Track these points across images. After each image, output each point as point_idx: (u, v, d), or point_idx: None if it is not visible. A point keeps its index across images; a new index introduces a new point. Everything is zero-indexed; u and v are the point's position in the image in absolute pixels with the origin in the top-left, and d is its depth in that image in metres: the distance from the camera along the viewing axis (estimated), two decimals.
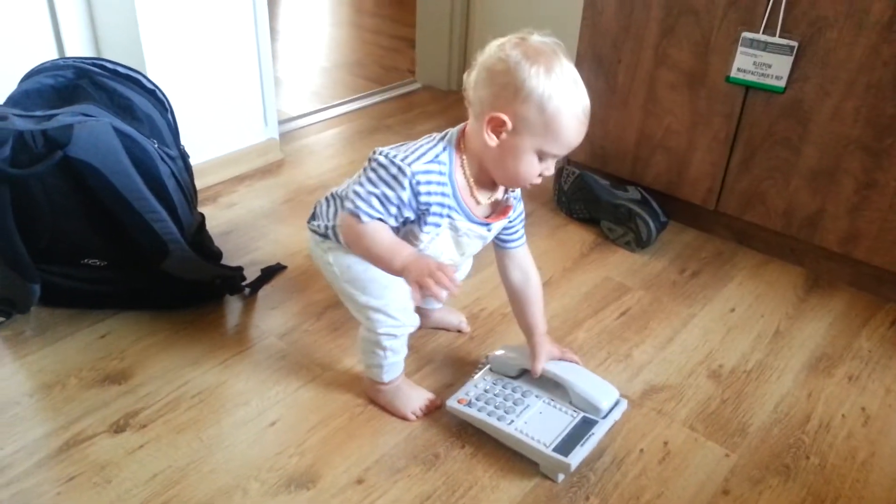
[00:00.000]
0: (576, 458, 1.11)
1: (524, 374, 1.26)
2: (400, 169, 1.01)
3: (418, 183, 1.01)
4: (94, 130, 1.16)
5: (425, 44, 2.71)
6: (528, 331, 1.24)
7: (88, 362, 1.34)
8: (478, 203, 1.09)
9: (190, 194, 1.41)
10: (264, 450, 1.18)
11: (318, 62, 3.10)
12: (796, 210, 1.63)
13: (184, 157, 1.45)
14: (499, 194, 1.12)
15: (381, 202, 1.02)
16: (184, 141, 1.60)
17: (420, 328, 1.23)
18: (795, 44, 1.49)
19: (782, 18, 1.49)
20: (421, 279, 0.98)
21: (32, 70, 1.36)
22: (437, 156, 1.03)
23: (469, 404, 1.21)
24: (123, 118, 1.27)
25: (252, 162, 2.06)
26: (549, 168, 1.03)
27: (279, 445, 1.19)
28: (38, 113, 1.22)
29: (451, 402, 1.23)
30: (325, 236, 1.17)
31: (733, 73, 1.58)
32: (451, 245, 1.12)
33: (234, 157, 2.02)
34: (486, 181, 1.08)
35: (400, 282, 1.11)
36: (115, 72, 1.36)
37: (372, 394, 1.28)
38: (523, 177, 1.03)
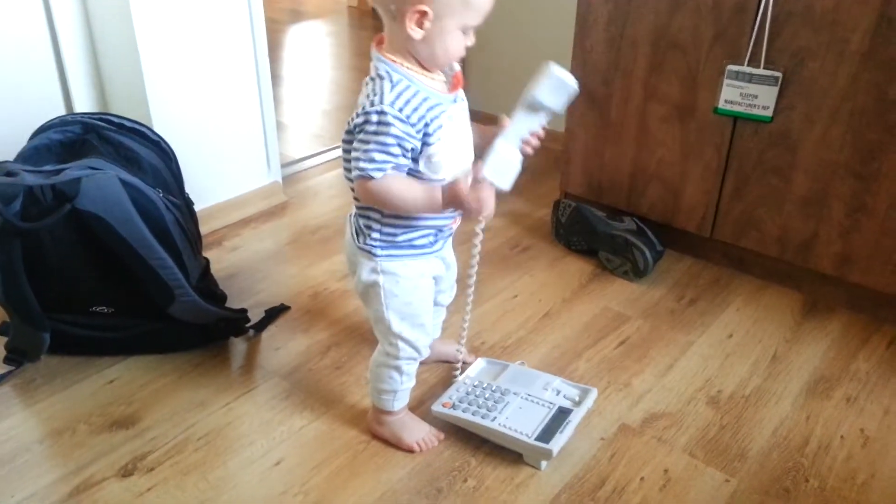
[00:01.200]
0: (556, 444, 1.21)
1: (503, 371, 1.39)
2: (381, 112, 1.01)
3: (400, 109, 1.02)
4: (101, 183, 1.21)
5: None
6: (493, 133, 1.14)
7: (97, 408, 1.37)
8: (438, 81, 1.10)
9: (194, 240, 1.46)
10: (270, 490, 1.20)
11: (320, 105, 3.17)
12: (790, 235, 1.66)
13: (188, 204, 1.50)
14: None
15: (382, 151, 1.02)
16: (189, 187, 1.65)
17: (421, 362, 1.26)
18: (780, 74, 1.53)
19: (765, 50, 1.53)
20: (470, 206, 1.05)
21: (42, 126, 1.42)
22: (392, 82, 1.03)
23: (453, 407, 1.29)
24: (129, 169, 1.32)
25: (256, 205, 2.11)
26: (471, 38, 1.06)
27: (284, 485, 1.21)
28: (48, 168, 1.27)
29: (437, 407, 1.30)
30: (373, 252, 1.15)
31: (721, 105, 1.62)
32: (456, 132, 1.10)
33: (238, 200, 2.07)
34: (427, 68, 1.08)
35: (430, 322, 1.21)
36: (120, 125, 1.42)
37: (377, 427, 1.30)
38: (453, 55, 1.06)
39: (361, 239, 1.15)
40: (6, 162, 1.31)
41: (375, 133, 1.02)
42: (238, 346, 1.55)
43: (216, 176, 1.98)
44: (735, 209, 1.72)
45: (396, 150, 1.03)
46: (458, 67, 1.14)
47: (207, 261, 1.61)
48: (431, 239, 1.16)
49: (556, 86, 1.05)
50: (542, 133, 1.11)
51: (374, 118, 1.02)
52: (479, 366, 1.42)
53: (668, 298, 1.71)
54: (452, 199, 1.06)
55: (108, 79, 1.81)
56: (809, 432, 1.32)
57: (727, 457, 1.27)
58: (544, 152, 2.43)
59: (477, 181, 1.05)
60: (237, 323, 1.52)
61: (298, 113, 3.02)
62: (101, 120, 1.42)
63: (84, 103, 1.79)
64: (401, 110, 1.02)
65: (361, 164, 1.03)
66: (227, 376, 1.46)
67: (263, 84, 2.02)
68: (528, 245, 1.95)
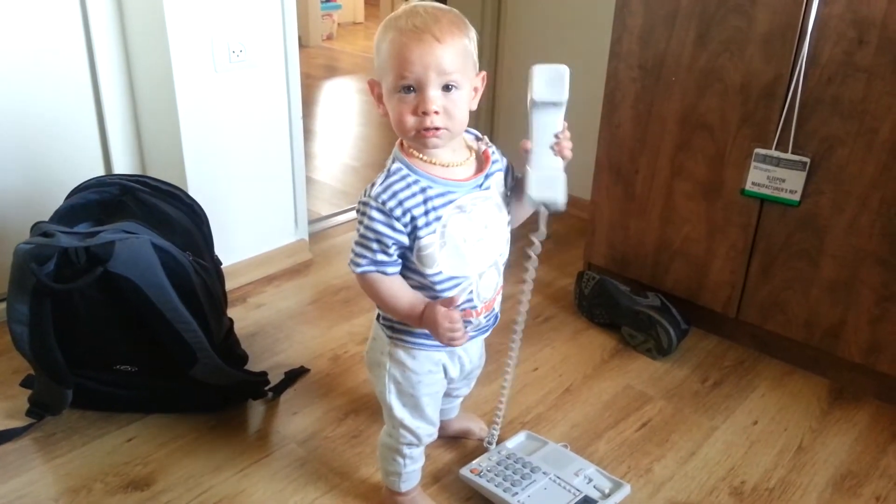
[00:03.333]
0: None
1: (541, 447, 1.37)
2: (365, 204, 1.01)
3: (384, 203, 1.00)
4: (133, 247, 1.24)
5: None
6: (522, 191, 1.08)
7: (114, 467, 1.37)
8: (460, 166, 1.05)
9: (220, 302, 1.47)
10: None
11: (348, 162, 3.23)
12: (817, 320, 1.64)
13: (217, 265, 1.52)
14: (464, 150, 1.08)
15: (362, 245, 1.02)
16: (217, 243, 1.68)
17: (439, 437, 1.25)
18: (808, 160, 1.54)
19: (794, 136, 1.54)
20: (439, 333, 1.02)
21: (80, 186, 1.46)
22: (388, 171, 1.03)
23: (480, 474, 1.29)
24: (161, 232, 1.35)
25: (281, 262, 2.13)
26: (423, 101, 0.96)
27: None
28: (82, 228, 1.30)
29: (465, 472, 1.30)
30: (391, 332, 1.14)
31: (748, 187, 1.63)
32: (467, 224, 1.05)
33: (265, 257, 2.09)
34: (440, 152, 1.04)
35: (436, 411, 1.19)
36: (156, 188, 1.46)
37: None
38: (404, 122, 0.98)
39: (379, 314, 1.15)
40: (42, 222, 1.35)
41: (360, 223, 1.03)
42: (256, 408, 1.55)
43: (245, 233, 2.02)
44: (761, 291, 1.70)
45: (375, 246, 1.01)
46: (485, 144, 1.10)
47: (231, 321, 1.62)
48: None
49: (549, 78, 1.00)
50: (566, 131, 1.03)
51: (360, 208, 1.03)
52: (518, 438, 1.41)
53: (692, 379, 1.69)
54: (430, 320, 1.03)
55: (147, 141, 1.87)
56: None
57: None
58: (570, 220, 2.47)
59: (452, 309, 1.01)
60: (257, 386, 1.52)
61: (327, 168, 3.08)
62: (137, 182, 1.46)
63: (123, 164, 1.85)
64: (384, 203, 1.00)
65: (352, 257, 1.04)
66: (243, 440, 1.46)
67: (296, 145, 2.07)
68: (551, 315, 1.94)
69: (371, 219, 1.00)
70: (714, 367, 1.74)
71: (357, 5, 6.47)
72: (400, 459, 1.21)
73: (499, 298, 1.16)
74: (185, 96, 1.74)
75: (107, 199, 1.43)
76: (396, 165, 1.03)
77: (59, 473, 1.35)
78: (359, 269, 1.03)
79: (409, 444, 1.19)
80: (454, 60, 0.97)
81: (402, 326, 1.11)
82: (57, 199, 1.50)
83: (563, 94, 1.00)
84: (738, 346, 1.81)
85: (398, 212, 1.00)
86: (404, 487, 1.24)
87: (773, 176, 1.59)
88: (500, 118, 2.70)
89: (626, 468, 1.41)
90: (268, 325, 1.86)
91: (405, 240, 1.02)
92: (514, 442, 1.40)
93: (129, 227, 1.29)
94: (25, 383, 1.48)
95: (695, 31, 1.62)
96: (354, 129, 3.80)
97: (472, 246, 1.06)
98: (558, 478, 1.29)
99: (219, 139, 1.85)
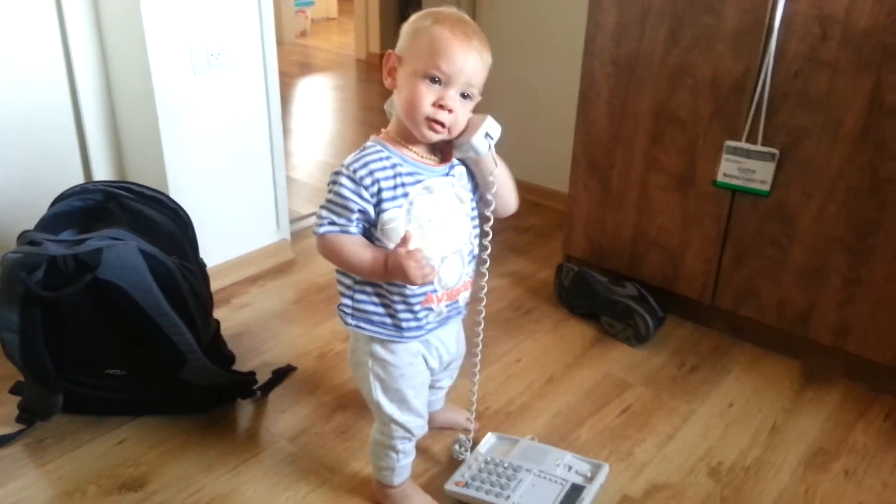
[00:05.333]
0: None
1: (514, 446, 1.40)
2: (337, 172, 1.06)
3: (355, 171, 1.04)
4: (121, 253, 1.25)
5: None
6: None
7: (106, 469, 1.39)
8: (429, 158, 1.11)
9: (207, 305, 1.49)
10: None
11: (326, 160, 3.24)
12: (788, 305, 1.70)
13: (202, 268, 1.54)
14: (437, 152, 1.14)
15: (329, 209, 1.06)
16: (200, 245, 1.69)
17: (428, 429, 1.28)
18: (776, 151, 1.59)
19: (763, 128, 1.59)
20: (408, 274, 1.02)
21: (63, 193, 1.47)
22: (364, 147, 1.08)
23: (466, 486, 1.30)
24: (147, 237, 1.36)
25: (264, 262, 2.15)
26: (446, 97, 1.04)
27: None
28: (68, 235, 1.31)
29: (450, 486, 1.31)
30: (345, 321, 1.16)
31: (720, 178, 1.68)
32: (433, 205, 1.10)
33: (247, 258, 2.11)
34: (420, 147, 1.10)
35: (423, 403, 1.21)
36: (140, 194, 1.47)
37: (380, 497, 1.32)
38: (418, 105, 1.04)
39: (346, 312, 1.16)
40: (29, 231, 1.36)
41: (329, 191, 1.07)
42: (245, 407, 1.57)
43: (227, 234, 2.03)
44: (735, 278, 1.76)
45: (340, 210, 1.05)
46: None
47: (218, 323, 1.64)
48: (413, 324, 1.14)
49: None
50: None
51: (332, 177, 1.07)
52: (489, 441, 1.43)
53: (670, 365, 1.74)
54: (394, 265, 1.04)
55: (127, 146, 1.88)
56: None
57: None
58: (548, 213, 2.51)
59: (413, 249, 1.03)
60: (245, 385, 1.55)
61: (305, 167, 3.09)
62: (121, 188, 1.47)
63: (103, 170, 1.86)
64: (355, 171, 1.04)
65: (316, 220, 1.08)
66: (233, 439, 1.48)
67: (276, 145, 2.09)
68: (532, 307, 1.98)
69: (340, 185, 1.05)
70: (690, 352, 1.79)
71: (330, 1, 6.46)
72: (393, 455, 1.24)
73: (465, 294, 1.19)
74: (165, 101, 1.75)
75: (91, 206, 1.44)
76: (371, 143, 1.10)
77: (52, 478, 1.37)
78: (321, 230, 1.07)
79: (402, 439, 1.22)
80: (480, 76, 1.08)
81: (360, 313, 1.14)
82: (39, 208, 1.50)
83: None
84: (714, 332, 1.87)
85: (367, 181, 1.05)
86: (397, 481, 1.28)
87: (744, 167, 1.64)
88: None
89: (608, 453, 1.46)
90: (253, 325, 1.88)
91: (370, 209, 1.06)
92: (486, 446, 1.42)
93: (115, 234, 1.30)
94: (14, 390, 1.49)
95: (666, 29, 1.67)
96: (331, 127, 3.81)
97: (436, 227, 1.10)
98: (542, 472, 1.31)
99: (199, 142, 1.86)
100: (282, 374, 1.66)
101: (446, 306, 1.16)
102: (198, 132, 1.85)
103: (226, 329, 1.76)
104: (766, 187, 1.63)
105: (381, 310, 1.14)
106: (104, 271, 1.24)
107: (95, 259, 1.24)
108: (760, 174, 1.62)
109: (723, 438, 1.51)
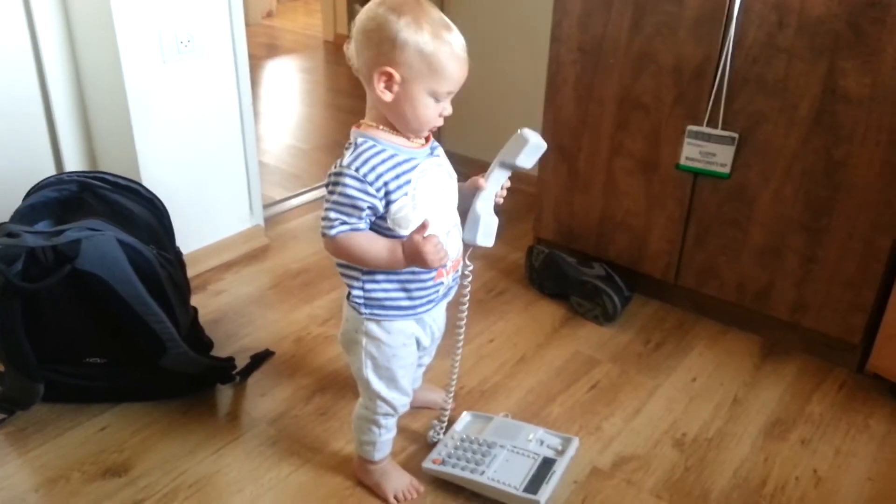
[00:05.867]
0: (543, 495, 1.27)
1: (488, 423, 1.44)
2: (338, 173, 1.07)
3: (357, 169, 1.06)
4: (99, 244, 1.27)
5: None
6: (469, 190, 1.22)
7: (90, 456, 1.41)
8: (415, 142, 1.14)
9: (185, 293, 1.51)
10: None
11: (296, 144, 3.25)
12: (748, 283, 1.77)
13: (178, 257, 1.56)
14: None
15: (336, 210, 1.07)
16: (175, 233, 1.71)
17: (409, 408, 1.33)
18: (736, 135, 1.65)
19: (723, 113, 1.65)
20: (426, 257, 1.07)
21: (37, 185, 1.47)
22: (355, 145, 1.09)
23: (443, 463, 1.35)
24: (125, 227, 1.38)
25: (238, 249, 2.17)
26: (446, 108, 1.10)
27: None
28: (43, 226, 1.33)
29: (427, 464, 1.36)
30: (364, 309, 1.19)
31: (682, 161, 1.74)
32: (432, 185, 1.14)
33: (221, 244, 2.13)
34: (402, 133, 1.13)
35: (409, 382, 1.26)
36: (115, 184, 1.48)
37: (361, 474, 1.36)
38: (424, 121, 1.09)
39: (349, 293, 1.20)
40: (5, 223, 1.36)
41: (332, 192, 1.08)
42: (225, 392, 1.60)
43: (201, 221, 2.04)
44: (697, 258, 1.83)
45: (349, 210, 1.07)
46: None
47: (196, 310, 1.66)
48: (425, 300, 1.19)
49: (533, 150, 1.17)
50: (508, 184, 1.22)
51: (332, 180, 1.08)
52: (464, 420, 1.48)
53: (636, 342, 1.81)
54: (412, 252, 1.08)
55: (98, 136, 1.87)
56: (767, 473, 1.42)
57: (691, 498, 1.35)
58: (518, 195, 2.55)
59: (429, 235, 1.07)
60: (224, 371, 1.58)
61: (276, 152, 3.09)
62: (95, 179, 1.48)
63: (74, 160, 1.85)
64: (357, 170, 1.06)
65: (324, 223, 1.09)
66: (214, 423, 1.51)
67: (247, 131, 2.10)
68: (504, 289, 2.03)
69: (345, 185, 1.06)
70: (656, 329, 1.86)
71: None
72: (376, 429, 1.29)
73: (461, 265, 1.25)
74: (135, 89, 1.75)
75: (66, 197, 1.45)
76: (362, 139, 1.10)
77: (36, 465, 1.39)
78: (332, 232, 1.08)
79: (385, 415, 1.27)
80: None
81: (374, 301, 1.17)
82: (9, 199, 1.50)
83: (534, 165, 1.18)
84: (678, 310, 1.94)
85: (371, 177, 1.06)
86: (378, 456, 1.32)
87: (705, 151, 1.70)
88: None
89: (578, 427, 1.52)
90: (230, 311, 1.90)
91: (379, 205, 1.08)
92: (462, 424, 1.47)
93: (93, 225, 1.32)
94: None
95: (630, 16, 1.71)
96: (299, 110, 3.80)
97: (438, 206, 1.15)
98: (515, 447, 1.37)
99: (170, 130, 1.87)
100: (260, 358, 1.69)
101: (451, 278, 1.22)
102: (169, 121, 1.86)
103: (203, 315, 1.78)
104: (727, 170, 1.69)
105: (393, 294, 1.17)
106: (83, 262, 1.26)
107: (74, 250, 1.25)
108: (721, 157, 1.68)
109: (687, 411, 1.58)
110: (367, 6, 1.06)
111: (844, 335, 1.67)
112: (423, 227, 1.08)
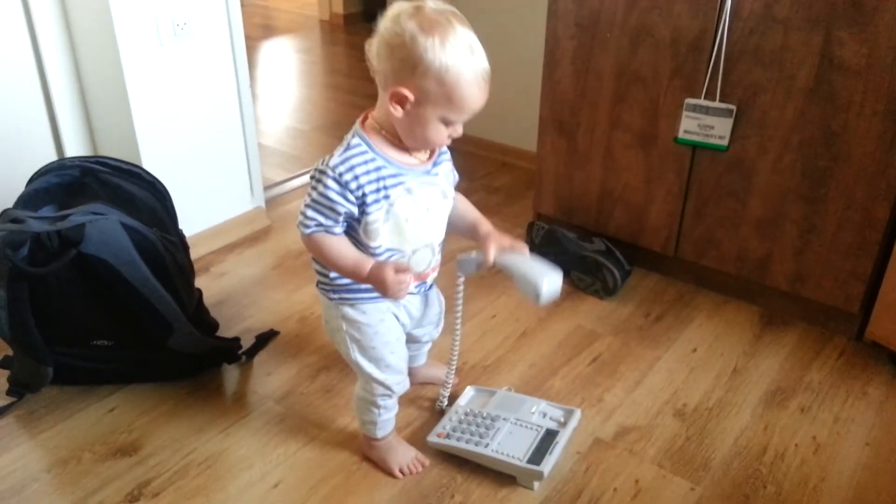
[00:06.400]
0: (547, 465, 1.29)
1: (491, 397, 1.45)
2: (321, 171, 1.08)
3: (341, 175, 1.06)
4: (104, 227, 1.28)
5: None
6: (474, 231, 1.25)
7: (100, 436, 1.43)
8: (415, 158, 1.14)
9: (188, 274, 1.53)
10: None
11: (295, 125, 3.25)
12: (747, 254, 1.78)
13: (182, 239, 1.57)
14: None
15: (315, 209, 1.08)
16: (178, 216, 1.72)
17: (409, 385, 1.35)
18: (734, 107, 1.65)
19: (720, 85, 1.65)
20: (387, 289, 1.09)
21: (40, 171, 1.48)
22: (348, 144, 1.09)
23: (448, 437, 1.37)
24: (128, 211, 1.39)
25: (240, 231, 2.18)
26: (457, 130, 1.09)
27: None
28: (52, 214, 1.34)
29: (432, 438, 1.38)
30: (332, 294, 1.21)
31: (680, 135, 1.74)
32: (412, 205, 1.13)
33: (223, 227, 2.14)
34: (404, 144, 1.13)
35: (401, 359, 1.27)
36: (117, 168, 1.49)
37: (366, 449, 1.39)
38: (432, 142, 1.10)
39: (317, 280, 1.22)
40: (10, 209, 1.38)
41: (313, 189, 1.09)
42: (231, 372, 1.62)
43: (202, 204, 2.05)
44: (696, 230, 1.84)
45: (327, 212, 1.08)
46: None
47: (200, 291, 1.68)
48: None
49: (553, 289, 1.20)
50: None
51: (317, 176, 1.09)
52: (468, 394, 1.50)
53: (637, 315, 1.83)
54: (375, 277, 1.10)
55: (98, 121, 1.88)
56: (767, 441, 1.44)
57: (692, 466, 1.38)
58: (518, 172, 2.57)
59: (401, 268, 1.09)
60: (230, 351, 1.60)
61: (275, 133, 3.09)
62: (97, 163, 1.49)
63: (74, 145, 1.86)
64: (340, 175, 1.06)
65: (301, 219, 1.11)
66: (222, 402, 1.53)
67: (246, 113, 2.10)
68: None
69: (326, 187, 1.07)
70: (656, 302, 1.88)
71: None
72: (375, 410, 1.31)
73: (433, 275, 1.27)
74: (133, 73, 1.75)
75: (69, 182, 1.46)
76: (356, 141, 1.10)
77: (48, 447, 1.41)
78: (308, 231, 1.10)
79: (383, 396, 1.29)
80: None
81: (340, 286, 1.19)
82: (12, 186, 1.52)
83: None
84: (677, 282, 1.95)
85: (353, 185, 1.07)
86: (380, 434, 1.34)
87: (703, 123, 1.70)
88: None
89: (580, 399, 1.54)
90: (233, 292, 1.92)
91: (355, 210, 1.09)
92: (466, 398, 1.49)
93: (97, 209, 1.33)
94: (3, 364, 1.52)
95: None
96: (298, 91, 3.79)
97: (413, 225, 1.15)
98: (518, 420, 1.39)
99: (169, 113, 1.87)
100: (265, 338, 1.71)
101: (415, 286, 1.24)
102: (168, 104, 1.86)
103: (207, 297, 1.79)
104: (725, 142, 1.69)
105: (356, 284, 1.18)
106: (88, 246, 1.27)
107: (79, 234, 1.27)
108: (719, 130, 1.69)
109: (687, 382, 1.60)
110: (398, 13, 1.02)
111: (843, 304, 1.69)
112: (403, 269, 1.10)
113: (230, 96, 2.03)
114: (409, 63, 1.00)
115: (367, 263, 1.11)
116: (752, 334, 1.76)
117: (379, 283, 1.11)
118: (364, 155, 1.08)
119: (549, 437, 1.35)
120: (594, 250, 1.92)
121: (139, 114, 1.80)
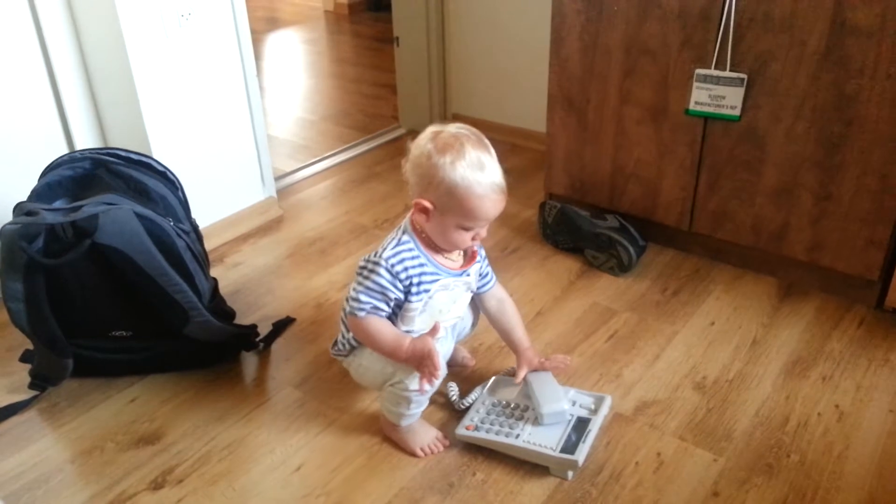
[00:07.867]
0: (581, 454, 1.27)
1: (517, 390, 1.43)
2: (375, 262, 1.23)
3: (392, 266, 1.22)
4: (117, 217, 1.29)
5: (406, 89, 2.84)
6: (514, 348, 1.44)
7: (122, 426, 1.45)
8: (451, 260, 1.30)
9: (203, 262, 1.53)
10: (293, 493, 1.29)
11: (304, 115, 3.24)
12: (763, 225, 1.76)
13: (195, 228, 1.58)
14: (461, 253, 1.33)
15: (369, 294, 1.23)
16: (190, 207, 1.73)
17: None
18: (745, 76, 1.63)
19: (730, 54, 1.63)
20: (420, 367, 1.22)
21: (52, 164, 1.49)
22: (399, 241, 1.25)
23: (476, 429, 1.35)
24: (140, 201, 1.40)
25: (253, 221, 2.19)
26: (480, 233, 1.24)
27: (306, 488, 1.30)
28: (65, 205, 1.35)
29: (461, 430, 1.36)
30: (348, 353, 1.37)
31: (691, 106, 1.72)
32: (447, 300, 1.30)
33: (236, 217, 2.14)
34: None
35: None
36: (128, 159, 1.50)
37: (387, 430, 1.39)
38: (455, 245, 1.25)
39: (332, 352, 1.40)
40: (23, 202, 1.38)
41: (366, 278, 1.23)
42: (249, 359, 1.63)
43: (214, 195, 2.06)
44: (710, 203, 1.82)
45: (378, 297, 1.23)
46: (476, 245, 1.31)
47: (216, 280, 1.68)
48: None
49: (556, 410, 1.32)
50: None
51: (370, 266, 1.23)
52: (495, 384, 1.47)
53: (653, 291, 1.82)
54: (414, 355, 1.22)
55: (106, 113, 1.88)
56: (789, 411, 1.43)
57: (714, 438, 1.37)
58: (529, 152, 2.55)
59: (432, 357, 1.20)
60: (248, 338, 1.60)
61: (283, 124, 3.09)
62: (108, 155, 1.49)
63: (84, 138, 1.87)
64: (392, 266, 1.22)
65: (350, 303, 1.25)
66: (242, 389, 1.54)
67: (254, 102, 2.10)
68: (518, 246, 2.04)
69: (379, 275, 1.22)
70: (672, 277, 1.87)
71: None
72: (405, 404, 1.30)
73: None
74: (139, 65, 1.75)
75: (81, 175, 1.46)
76: (406, 238, 1.26)
77: (70, 438, 1.43)
78: (362, 314, 1.24)
79: (417, 394, 1.27)
80: None
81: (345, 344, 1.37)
82: (25, 180, 1.52)
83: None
84: (693, 256, 1.94)
85: (403, 276, 1.23)
86: (405, 423, 1.34)
87: (714, 94, 1.68)
88: (451, 70, 2.74)
89: (598, 376, 1.53)
90: (248, 282, 1.92)
91: (402, 298, 1.25)
92: (492, 388, 1.45)
93: (109, 199, 1.33)
94: (24, 358, 1.54)
95: None
96: (305, 82, 3.79)
97: (444, 315, 1.31)
98: None
99: (178, 104, 1.88)
100: (282, 325, 1.71)
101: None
102: (175, 94, 1.86)
103: (222, 287, 1.80)
104: (737, 112, 1.67)
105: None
106: (102, 236, 1.28)
107: (92, 224, 1.27)
108: (730, 99, 1.67)
109: (706, 355, 1.59)
110: (425, 134, 1.21)
111: (862, 272, 1.67)
112: (434, 329, 1.24)
113: (237, 86, 2.03)
114: (426, 178, 1.18)
115: (405, 342, 1.24)
116: (770, 306, 1.74)
117: (415, 363, 1.23)
118: (412, 251, 1.24)
119: (581, 424, 1.32)
120: (608, 227, 1.91)
121: (147, 105, 1.80)
